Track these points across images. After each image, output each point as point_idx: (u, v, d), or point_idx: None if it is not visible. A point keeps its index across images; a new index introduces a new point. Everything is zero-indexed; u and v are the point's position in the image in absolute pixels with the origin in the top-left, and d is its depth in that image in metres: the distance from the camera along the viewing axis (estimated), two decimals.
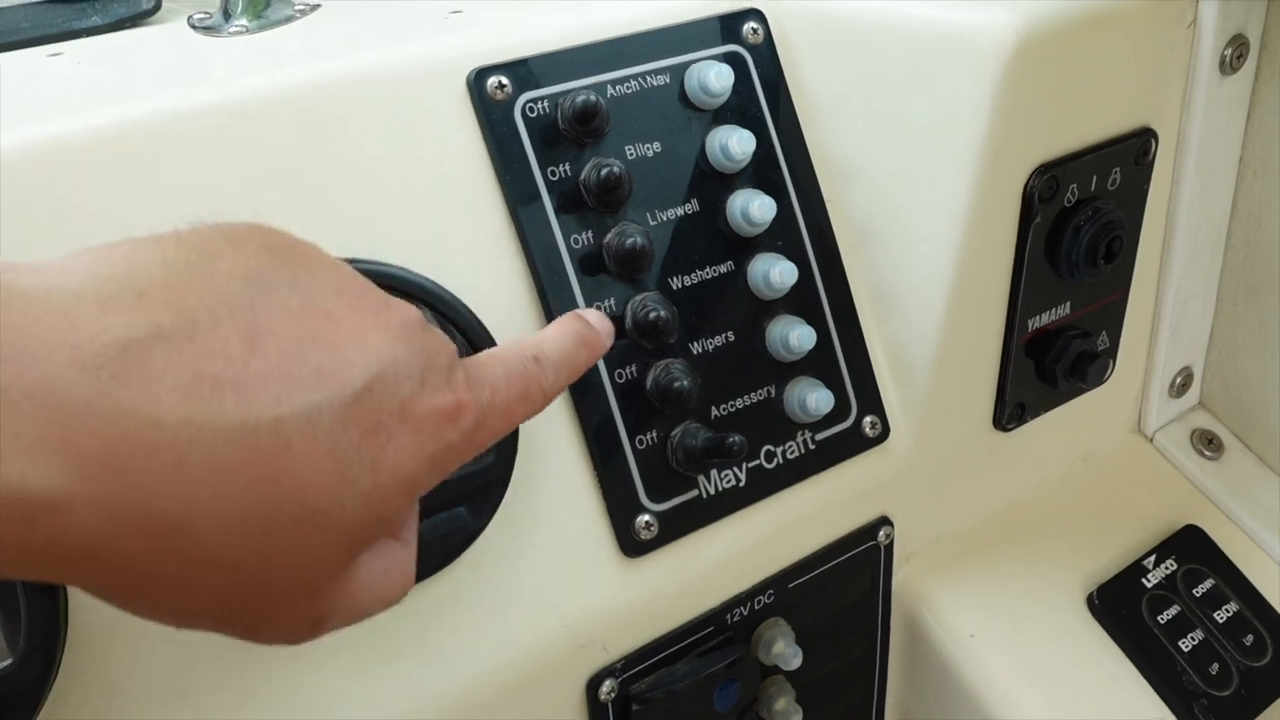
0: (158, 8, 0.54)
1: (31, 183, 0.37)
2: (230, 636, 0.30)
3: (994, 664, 0.56)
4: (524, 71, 0.46)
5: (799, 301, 0.51)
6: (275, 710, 0.40)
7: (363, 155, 0.43)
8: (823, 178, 0.52)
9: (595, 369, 0.46)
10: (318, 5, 0.55)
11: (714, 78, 0.48)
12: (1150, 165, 0.57)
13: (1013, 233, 0.53)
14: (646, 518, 0.47)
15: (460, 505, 0.42)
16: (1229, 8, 0.55)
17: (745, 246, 0.50)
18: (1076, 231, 0.53)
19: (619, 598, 0.47)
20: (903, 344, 0.54)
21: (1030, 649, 0.57)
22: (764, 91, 0.51)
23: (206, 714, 0.39)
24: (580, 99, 0.45)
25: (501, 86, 0.45)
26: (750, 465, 0.50)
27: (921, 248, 0.52)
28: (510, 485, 0.44)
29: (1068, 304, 0.57)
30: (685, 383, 0.46)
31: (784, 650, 0.52)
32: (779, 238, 0.51)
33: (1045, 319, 0.56)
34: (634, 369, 0.47)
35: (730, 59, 0.50)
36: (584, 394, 0.46)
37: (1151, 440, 0.68)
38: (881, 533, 0.56)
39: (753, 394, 0.50)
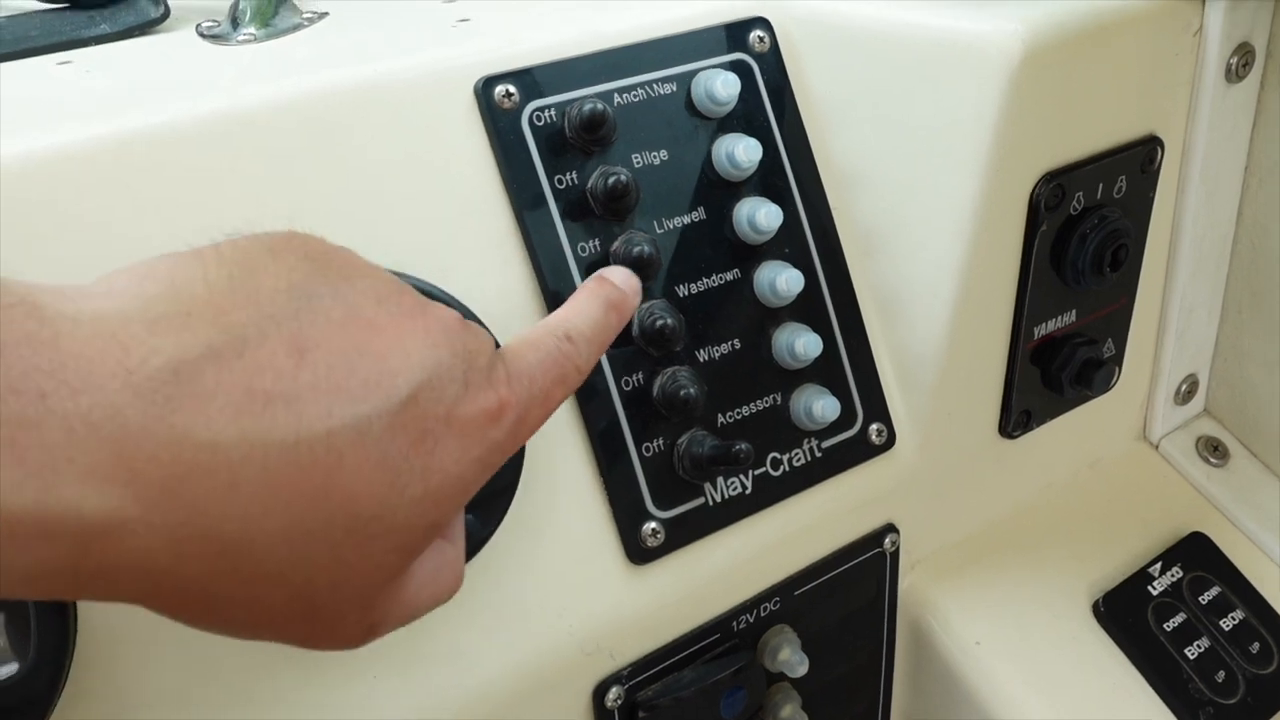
0: (166, 16, 0.54)
1: (40, 191, 0.37)
2: (288, 645, 0.30)
3: (1000, 671, 0.56)
4: (531, 80, 0.46)
5: (805, 309, 0.51)
6: (285, 717, 0.40)
7: (370, 163, 0.43)
8: (829, 185, 0.52)
9: (602, 377, 0.46)
10: (325, 14, 0.55)
11: (720, 86, 0.48)
12: (1156, 173, 0.57)
13: (1019, 240, 0.53)
14: (653, 525, 0.47)
15: (468, 512, 0.42)
16: (1235, 16, 0.55)
17: (751, 254, 0.50)
18: (1082, 239, 0.53)
19: (625, 605, 0.47)
20: (908, 351, 0.54)
21: (1036, 656, 0.57)
22: (770, 100, 0.51)
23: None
24: (587, 107, 0.45)
25: (509, 95, 0.45)
26: (756, 473, 0.50)
27: (927, 255, 0.52)
28: (517, 492, 0.44)
29: (1073, 311, 0.57)
30: (692, 390, 0.46)
31: (790, 657, 0.52)
32: (785, 245, 0.51)
33: (1051, 326, 0.56)
34: (641, 377, 0.47)
35: (737, 67, 0.50)
36: (591, 401, 0.46)
37: (1157, 447, 0.68)
38: (887, 540, 0.56)
39: (759, 401, 0.50)
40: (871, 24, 0.51)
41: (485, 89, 0.45)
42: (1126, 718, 0.56)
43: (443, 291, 0.42)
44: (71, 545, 0.24)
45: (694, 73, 0.49)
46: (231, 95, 0.42)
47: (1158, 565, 0.61)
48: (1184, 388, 0.67)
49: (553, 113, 0.46)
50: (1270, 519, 0.64)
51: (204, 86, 0.44)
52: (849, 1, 0.52)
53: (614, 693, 0.48)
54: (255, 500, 0.25)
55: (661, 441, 0.47)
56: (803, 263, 0.51)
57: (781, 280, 0.49)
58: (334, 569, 0.28)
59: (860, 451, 0.53)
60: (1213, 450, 0.67)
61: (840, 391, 0.51)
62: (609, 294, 0.38)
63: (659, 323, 0.46)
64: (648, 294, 0.47)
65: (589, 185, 0.46)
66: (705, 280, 0.49)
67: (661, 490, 0.47)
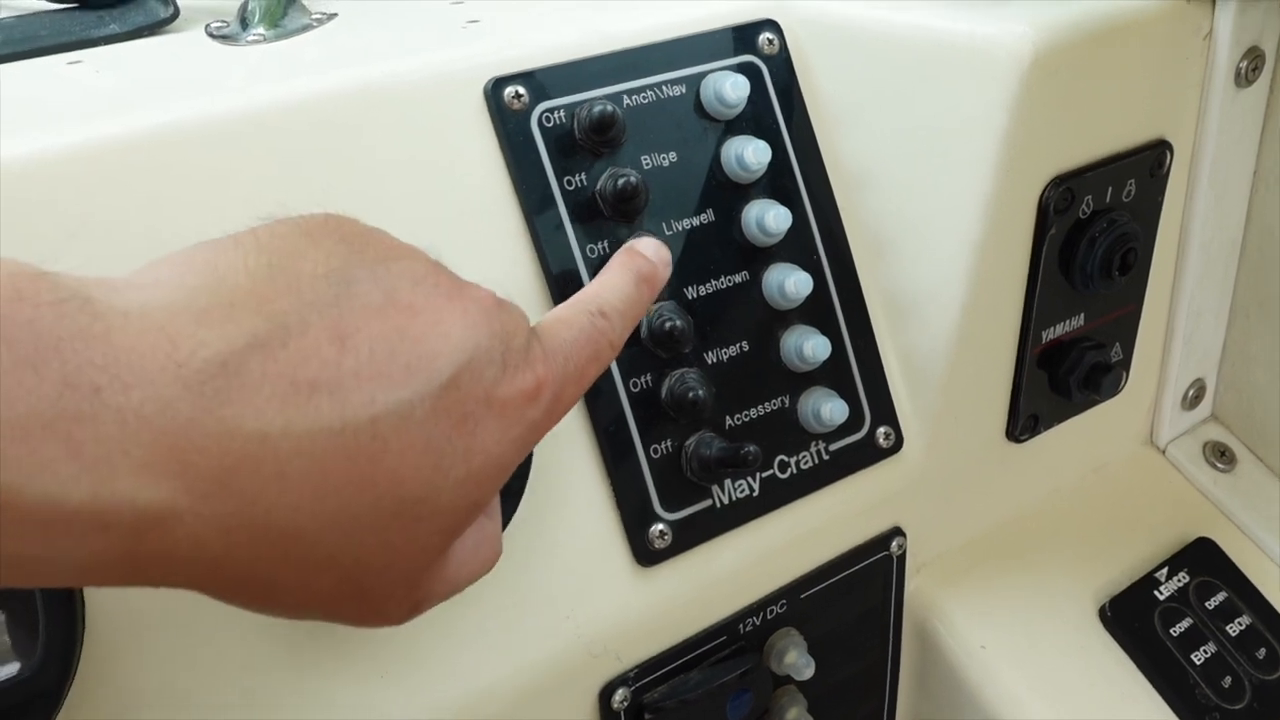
0: (175, 16, 0.54)
1: (50, 190, 0.37)
2: (336, 623, 0.31)
3: (1005, 675, 0.56)
4: (541, 81, 0.46)
5: (813, 312, 0.51)
6: (293, 716, 0.40)
7: (379, 164, 0.43)
8: (837, 188, 0.52)
9: (610, 378, 0.46)
10: (334, 15, 0.55)
11: (730, 88, 0.48)
12: (1165, 177, 0.57)
13: (1028, 244, 0.53)
14: (660, 527, 0.47)
15: None
16: (1245, 20, 0.55)
17: (760, 256, 0.50)
18: (1091, 243, 0.53)
19: (632, 607, 0.47)
20: (917, 355, 0.54)
21: (1042, 661, 0.57)
22: (779, 102, 0.51)
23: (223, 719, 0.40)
24: (597, 109, 0.45)
25: (518, 96, 0.45)
26: (764, 475, 0.50)
27: (936, 258, 0.52)
28: (525, 494, 0.44)
29: (1081, 315, 0.57)
30: (700, 392, 0.46)
31: (796, 660, 0.52)
32: (794, 248, 0.51)
33: (1059, 330, 0.56)
34: (649, 378, 0.47)
35: (746, 69, 0.50)
36: (598, 402, 0.46)
37: (1164, 452, 0.67)
38: (894, 543, 0.56)
39: (767, 404, 0.50)
40: (880, 26, 0.51)
41: (495, 90, 0.45)
42: None
43: None
44: (126, 536, 0.24)
45: (703, 75, 0.49)
46: (241, 95, 0.42)
47: (1164, 570, 0.61)
48: (1191, 393, 0.67)
49: (562, 114, 0.46)
50: (1276, 524, 0.64)
51: (213, 87, 0.44)
52: (858, 4, 0.52)
53: (620, 694, 0.48)
54: (304, 489, 0.26)
55: (669, 443, 0.47)
56: (811, 265, 0.51)
57: (790, 282, 0.49)
58: (382, 552, 0.28)
59: (868, 454, 0.53)
60: (1219, 455, 0.67)
61: (848, 394, 0.51)
62: (640, 266, 0.38)
63: (668, 324, 0.46)
64: (656, 296, 0.47)
65: (598, 187, 0.46)
66: (714, 282, 0.49)
67: (669, 492, 0.47)
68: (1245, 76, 0.56)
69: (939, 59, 0.49)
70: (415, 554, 0.29)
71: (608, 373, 0.46)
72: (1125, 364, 0.60)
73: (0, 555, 0.23)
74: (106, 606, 0.37)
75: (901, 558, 0.56)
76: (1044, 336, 0.56)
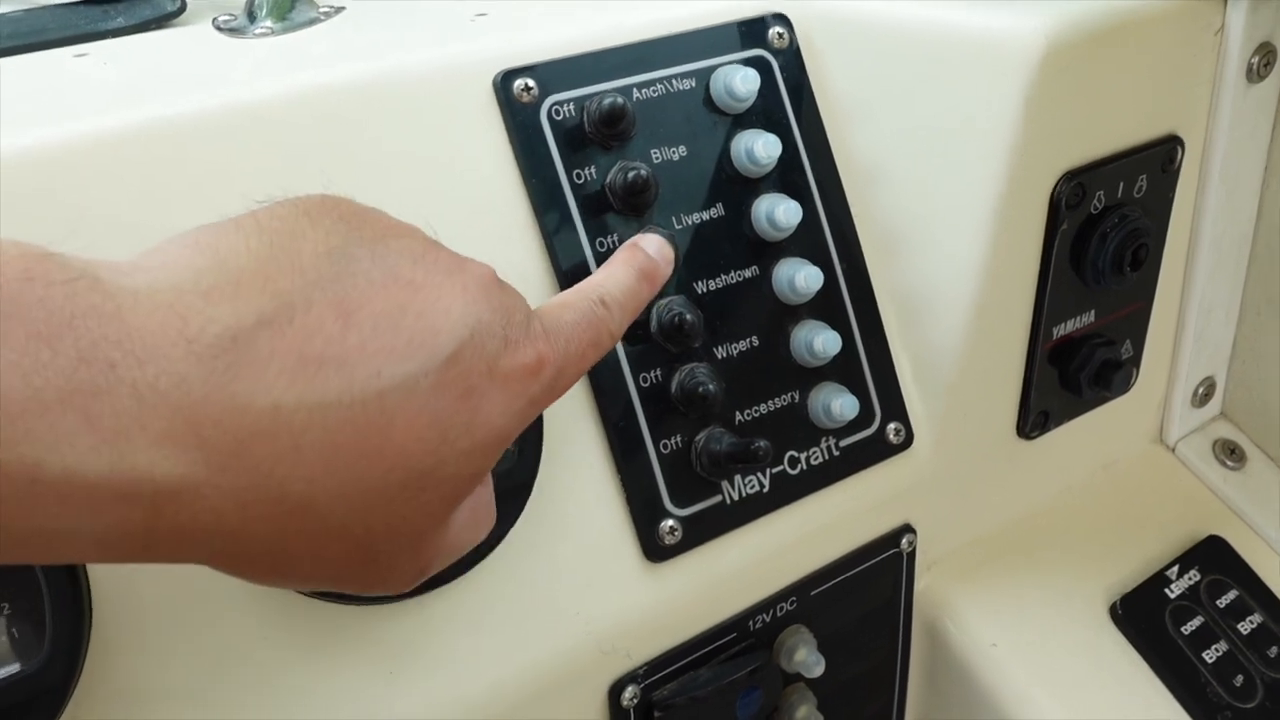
0: (183, 9, 0.54)
1: (56, 182, 0.37)
2: (344, 591, 0.32)
3: (1017, 673, 0.56)
4: (550, 74, 0.46)
5: (823, 307, 0.51)
6: (300, 714, 0.40)
7: (387, 157, 0.43)
8: (847, 183, 0.52)
9: (620, 373, 0.46)
10: (342, 8, 0.55)
11: (740, 82, 0.48)
12: (1176, 173, 0.56)
13: (1039, 239, 0.52)
14: (671, 523, 0.46)
15: None
16: (1257, 15, 0.54)
17: (770, 251, 0.50)
18: (1103, 239, 0.53)
19: (643, 603, 0.46)
20: (927, 350, 0.53)
21: (1053, 659, 0.57)
22: (789, 96, 0.51)
23: (229, 717, 0.39)
24: (607, 101, 0.45)
25: (528, 89, 0.45)
26: (774, 471, 0.49)
27: (947, 253, 0.51)
28: (534, 489, 0.43)
29: (1092, 312, 0.56)
30: (711, 386, 0.46)
31: (806, 658, 0.51)
32: (804, 242, 0.50)
33: (1070, 327, 0.56)
34: (659, 373, 0.47)
35: (756, 63, 0.50)
36: (608, 397, 0.46)
37: (1173, 450, 0.67)
38: (904, 540, 0.55)
39: (777, 399, 0.49)
40: (891, 20, 0.51)
41: (504, 83, 0.45)
42: None
43: None
44: (145, 509, 0.25)
45: (713, 68, 0.49)
46: (247, 89, 0.42)
47: (1175, 568, 0.61)
48: (1201, 390, 0.66)
49: (571, 107, 0.46)
50: None
51: (219, 80, 0.44)
52: None
53: (630, 691, 0.47)
54: (316, 462, 0.27)
55: (679, 438, 0.47)
56: (821, 260, 0.50)
57: (800, 277, 0.48)
58: (390, 521, 0.29)
59: (878, 450, 0.52)
60: (1229, 453, 0.67)
61: (858, 390, 0.51)
62: (642, 262, 0.39)
63: (678, 317, 0.45)
64: (666, 290, 0.47)
65: (608, 180, 0.46)
66: (724, 277, 0.48)
67: (679, 487, 0.47)
68: (1257, 72, 0.56)
69: (950, 53, 0.49)
70: (421, 522, 0.30)
71: (617, 368, 0.46)
72: (1136, 361, 0.60)
73: (23, 529, 0.24)
74: (113, 602, 0.37)
75: (911, 555, 0.56)
76: (1055, 333, 0.55)
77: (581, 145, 0.46)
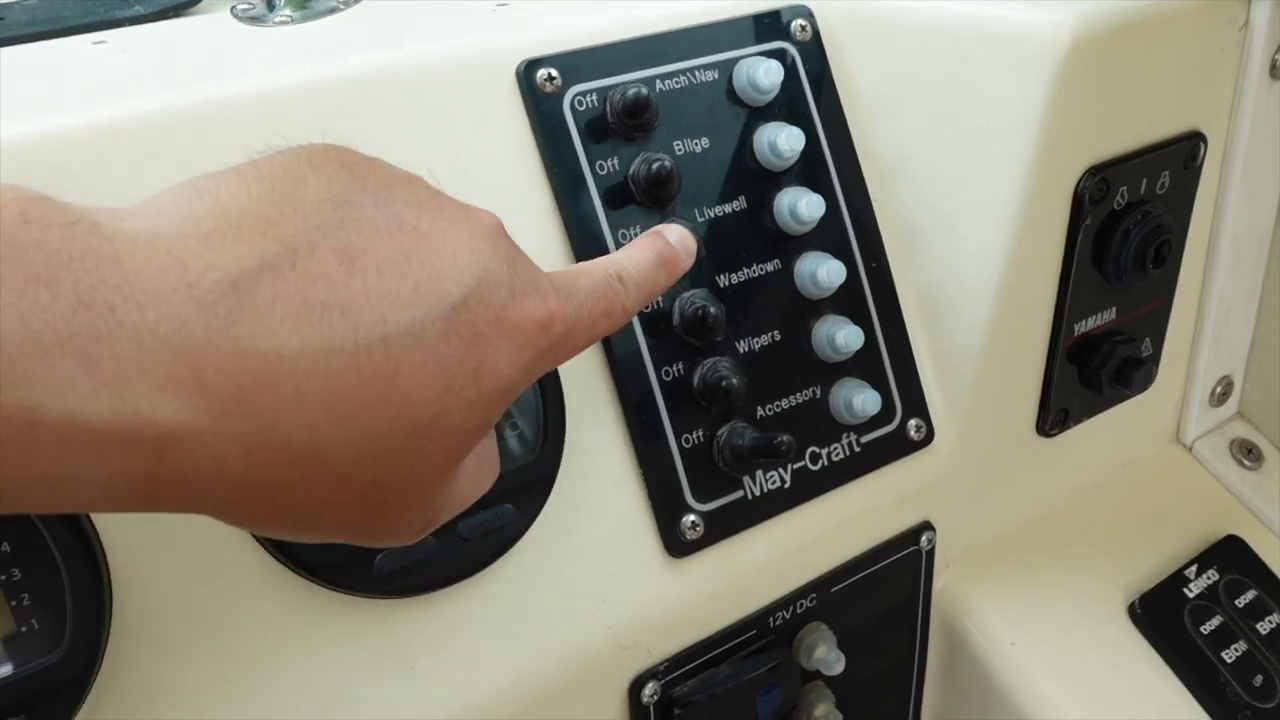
0: None
1: (74, 169, 0.37)
2: (350, 542, 0.31)
3: (1035, 673, 0.56)
4: (574, 64, 0.45)
5: (845, 301, 0.50)
6: (320, 711, 0.40)
7: (410, 146, 0.42)
8: (869, 177, 0.52)
9: (642, 366, 0.45)
10: None
11: (763, 74, 0.47)
12: (1199, 170, 0.56)
13: (1062, 235, 0.52)
14: (692, 518, 0.46)
15: (507, 502, 0.42)
16: None
17: (792, 245, 0.49)
18: (1126, 235, 0.53)
19: (663, 599, 0.46)
20: (948, 346, 0.53)
21: (1072, 658, 0.56)
22: (811, 89, 0.51)
23: (248, 714, 0.39)
24: (631, 92, 0.44)
25: (551, 79, 0.45)
26: (795, 467, 0.49)
27: (969, 248, 0.51)
28: (556, 482, 0.43)
29: (1113, 309, 0.56)
30: (734, 380, 0.45)
31: (826, 655, 0.51)
32: (826, 237, 0.50)
33: (1091, 324, 0.55)
34: (681, 367, 0.46)
35: (778, 55, 0.50)
36: (630, 391, 0.45)
37: (1190, 449, 0.67)
38: (924, 538, 0.55)
39: (798, 394, 0.49)
40: (914, 13, 0.50)
41: (527, 72, 0.44)
42: None
43: None
44: (149, 454, 0.24)
45: (736, 60, 0.48)
46: (267, 77, 0.41)
47: (1193, 568, 0.60)
48: (1218, 389, 0.66)
49: (594, 97, 0.46)
50: None
51: (237, 68, 0.43)
52: None
53: (650, 688, 0.47)
54: (320, 409, 0.26)
55: (701, 433, 0.47)
56: (843, 254, 0.50)
57: (823, 271, 0.48)
58: (396, 470, 0.28)
59: (899, 447, 0.52)
60: (1246, 453, 0.66)
61: (880, 386, 0.50)
62: (662, 249, 0.39)
63: (701, 310, 0.45)
64: (688, 283, 0.47)
65: (631, 171, 0.45)
66: (746, 270, 0.48)
67: (701, 482, 0.46)
68: None
69: (974, 46, 0.49)
70: (427, 472, 0.29)
71: (639, 361, 0.45)
72: (1155, 359, 0.59)
73: (25, 475, 0.23)
74: (134, 593, 0.37)
75: (930, 552, 0.56)
76: (1076, 330, 0.55)
77: (604, 136, 0.46)
